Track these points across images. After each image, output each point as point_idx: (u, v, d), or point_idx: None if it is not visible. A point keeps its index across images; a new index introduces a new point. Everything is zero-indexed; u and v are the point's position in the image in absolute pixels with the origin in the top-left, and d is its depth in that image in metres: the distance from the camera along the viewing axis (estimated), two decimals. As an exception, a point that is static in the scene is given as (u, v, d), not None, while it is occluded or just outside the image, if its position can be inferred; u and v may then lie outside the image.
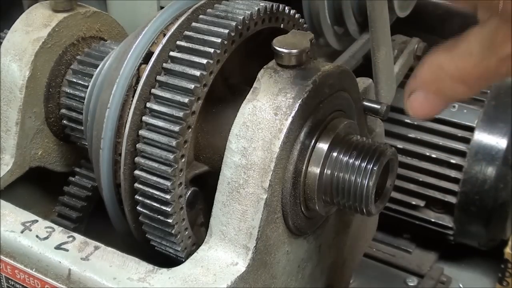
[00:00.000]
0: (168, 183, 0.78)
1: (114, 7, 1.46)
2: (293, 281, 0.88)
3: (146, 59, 0.83)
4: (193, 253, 0.80)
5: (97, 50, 1.02)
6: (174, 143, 0.78)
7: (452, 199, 1.43)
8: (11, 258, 0.83)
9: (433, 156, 1.45)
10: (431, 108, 0.66)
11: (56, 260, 0.80)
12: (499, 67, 0.60)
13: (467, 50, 0.61)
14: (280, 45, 0.80)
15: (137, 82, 0.82)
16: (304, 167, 0.80)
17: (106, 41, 1.07)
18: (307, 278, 0.91)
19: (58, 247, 0.81)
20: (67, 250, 0.81)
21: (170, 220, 0.80)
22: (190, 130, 0.79)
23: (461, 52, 0.62)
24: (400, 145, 1.47)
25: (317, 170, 0.81)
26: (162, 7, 1.05)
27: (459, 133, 1.43)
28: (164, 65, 0.81)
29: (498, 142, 1.39)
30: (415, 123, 1.47)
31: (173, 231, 0.81)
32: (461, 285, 1.50)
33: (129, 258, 0.79)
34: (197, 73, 0.78)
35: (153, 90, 0.80)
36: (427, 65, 0.65)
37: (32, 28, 1.00)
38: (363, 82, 1.00)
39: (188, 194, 0.84)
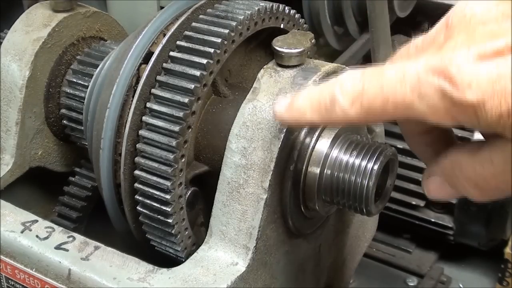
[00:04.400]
0: (168, 183, 0.78)
1: (114, 7, 1.46)
2: (293, 281, 0.88)
3: (146, 59, 0.83)
4: (193, 253, 0.80)
5: (97, 50, 1.02)
6: (174, 143, 0.78)
7: (452, 199, 1.43)
8: (11, 258, 0.83)
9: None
10: (445, 194, 0.65)
11: (56, 260, 0.80)
12: None
13: (489, 158, 0.58)
14: (280, 45, 0.80)
15: (137, 82, 0.82)
16: (304, 167, 0.80)
17: (106, 41, 1.07)
18: (307, 278, 0.91)
19: (58, 247, 0.81)
20: (67, 250, 0.81)
21: (170, 220, 0.80)
22: (190, 130, 0.79)
23: (482, 158, 0.59)
24: (400, 145, 1.47)
25: (317, 170, 0.81)
26: (162, 7, 1.06)
27: (459, 133, 1.43)
28: (164, 65, 0.81)
29: (498, 142, 1.39)
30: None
31: (173, 231, 0.81)
32: (461, 285, 1.50)
33: (129, 258, 0.79)
34: (197, 73, 0.78)
35: (153, 90, 0.80)
36: (449, 159, 0.63)
37: (32, 28, 1.00)
38: (363, 82, 1.00)
39: (188, 194, 0.84)
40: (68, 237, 0.82)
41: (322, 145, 0.81)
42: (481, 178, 0.59)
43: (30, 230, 0.83)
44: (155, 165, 0.79)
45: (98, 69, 0.96)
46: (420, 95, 0.55)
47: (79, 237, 0.82)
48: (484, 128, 0.54)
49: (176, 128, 0.78)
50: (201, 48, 0.79)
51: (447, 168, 0.63)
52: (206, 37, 0.80)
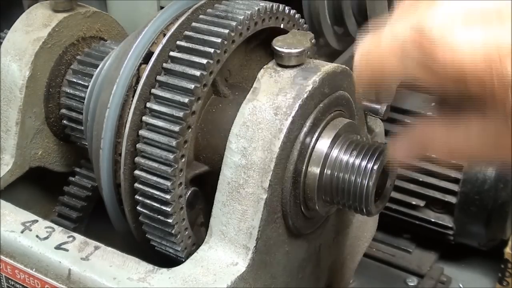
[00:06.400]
0: (168, 183, 0.78)
1: (114, 7, 1.47)
2: (293, 281, 0.88)
3: (146, 59, 0.83)
4: (193, 253, 0.80)
5: (97, 50, 1.02)
6: (174, 143, 0.78)
7: (452, 199, 1.43)
8: (11, 258, 0.83)
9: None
10: (411, 156, 0.69)
11: (56, 260, 0.80)
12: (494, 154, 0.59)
13: (466, 134, 0.60)
14: (280, 45, 0.80)
15: (137, 82, 0.82)
16: (304, 167, 0.80)
17: (106, 41, 1.07)
18: (307, 278, 0.91)
19: (58, 247, 0.81)
20: (67, 250, 0.81)
21: (170, 220, 0.80)
22: (190, 130, 0.79)
23: (459, 132, 0.61)
24: (400, 145, 1.47)
25: (317, 170, 0.81)
26: (162, 7, 1.06)
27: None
28: (164, 65, 0.81)
29: (498, 142, 1.39)
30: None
31: (173, 231, 0.81)
32: (461, 285, 1.50)
33: (129, 258, 0.79)
34: (197, 73, 0.78)
35: (153, 90, 0.80)
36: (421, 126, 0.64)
37: (32, 28, 1.00)
38: (363, 82, 1.00)
39: (188, 194, 0.84)
40: (68, 237, 0.82)
41: (322, 145, 0.81)
42: (455, 142, 0.62)
43: (30, 230, 0.84)
44: (155, 165, 0.79)
45: (98, 69, 0.96)
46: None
47: (79, 237, 0.82)
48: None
49: (176, 128, 0.78)
50: (201, 48, 0.79)
51: (418, 134, 0.66)
52: (206, 37, 0.80)
